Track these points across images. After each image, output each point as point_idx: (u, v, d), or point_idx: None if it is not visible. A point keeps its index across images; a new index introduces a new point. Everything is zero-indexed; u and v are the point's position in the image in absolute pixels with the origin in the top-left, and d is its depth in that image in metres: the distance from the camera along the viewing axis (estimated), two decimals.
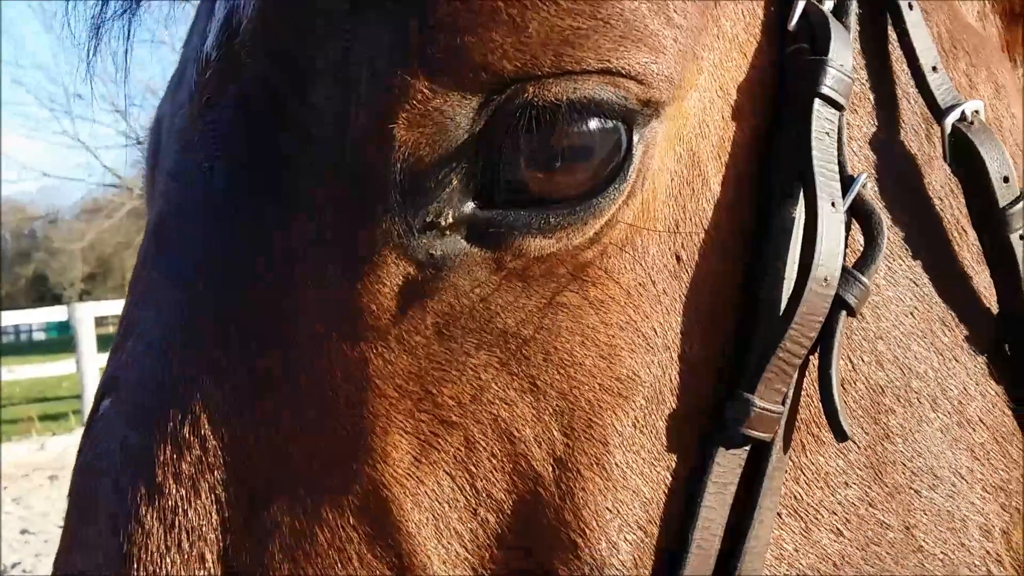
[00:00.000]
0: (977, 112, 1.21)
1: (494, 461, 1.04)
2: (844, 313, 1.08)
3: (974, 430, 1.23)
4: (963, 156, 1.21)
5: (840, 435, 1.07)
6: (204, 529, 1.01)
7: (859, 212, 1.11)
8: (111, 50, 1.37)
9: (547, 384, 1.04)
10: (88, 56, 1.37)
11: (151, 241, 1.16)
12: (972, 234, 1.25)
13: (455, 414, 1.03)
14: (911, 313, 1.19)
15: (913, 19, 1.21)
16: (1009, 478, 1.26)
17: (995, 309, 1.26)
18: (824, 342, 1.08)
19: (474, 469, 1.03)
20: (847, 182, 1.10)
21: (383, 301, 1.03)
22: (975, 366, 1.24)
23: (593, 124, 1.00)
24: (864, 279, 1.09)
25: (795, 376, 1.07)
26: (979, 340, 1.25)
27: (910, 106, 1.24)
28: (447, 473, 1.03)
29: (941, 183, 1.25)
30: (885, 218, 1.13)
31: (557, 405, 1.04)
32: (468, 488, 1.03)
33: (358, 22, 1.01)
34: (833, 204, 1.07)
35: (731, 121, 1.11)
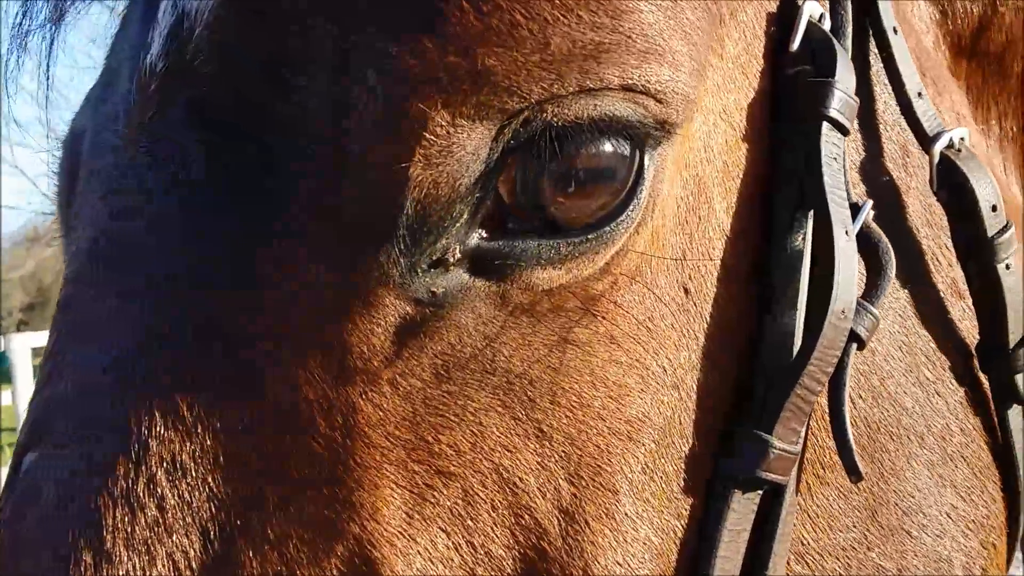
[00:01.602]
0: (963, 139, 1.19)
1: (495, 515, 0.93)
2: (855, 347, 1.03)
3: (956, 466, 1.20)
4: (951, 184, 1.17)
5: (855, 475, 1.01)
6: None
7: (866, 240, 1.06)
8: (36, 66, 1.21)
9: (553, 428, 0.94)
10: (9, 72, 1.20)
11: (85, 265, 1.01)
12: (955, 264, 1.22)
13: (453, 464, 0.93)
14: (900, 347, 1.16)
15: (898, 43, 1.18)
16: (988, 514, 1.23)
17: (974, 340, 1.23)
18: (835, 377, 1.02)
19: (472, 524, 0.93)
20: (853, 209, 1.05)
21: (376, 342, 0.92)
22: (955, 400, 1.21)
23: (610, 145, 0.93)
24: (875, 310, 1.04)
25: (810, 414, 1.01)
26: (959, 372, 1.22)
27: (894, 133, 1.20)
28: (442, 529, 0.92)
29: (924, 212, 1.22)
30: (891, 247, 1.09)
31: (564, 451, 0.95)
32: (465, 546, 0.93)
33: (358, 35, 0.90)
34: (846, 232, 1.02)
35: (734, 145, 1.05)
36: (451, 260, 0.91)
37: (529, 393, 0.94)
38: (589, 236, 0.93)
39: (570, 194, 0.92)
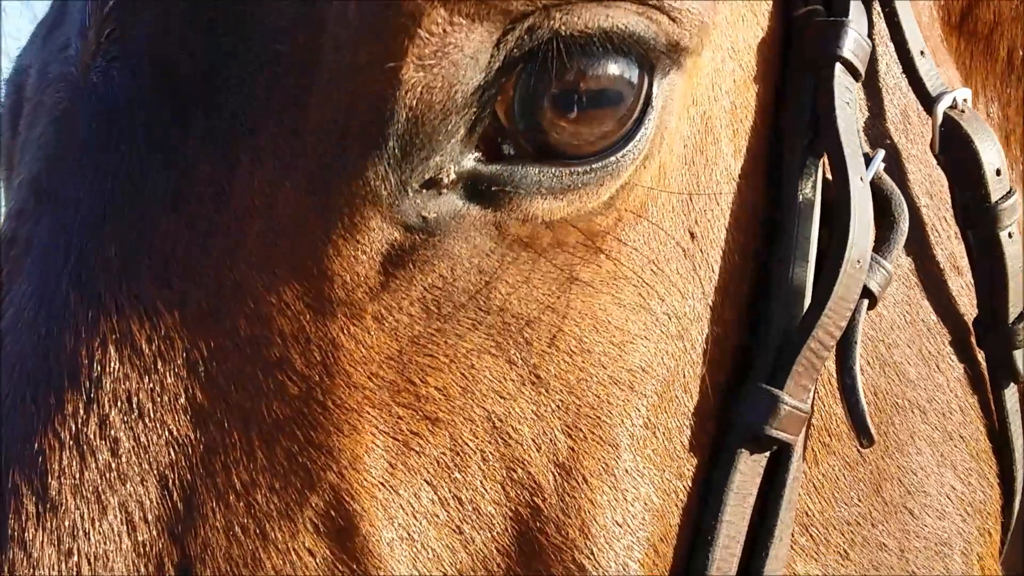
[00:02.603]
0: (966, 100, 1.14)
1: (485, 467, 0.85)
2: (866, 304, 0.97)
3: (956, 446, 1.14)
4: (954, 146, 1.12)
5: (867, 438, 0.95)
6: (112, 556, 0.77)
7: (877, 192, 1.01)
8: None
9: (551, 374, 0.87)
10: None
11: (31, 198, 0.92)
12: (954, 237, 1.17)
13: (441, 409, 0.84)
14: (904, 316, 1.10)
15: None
16: (985, 499, 1.17)
17: (971, 316, 1.18)
18: (846, 335, 0.95)
19: (460, 477, 0.84)
20: (865, 159, 1.00)
21: (360, 270, 0.83)
22: (954, 377, 1.15)
23: (618, 66, 0.85)
24: (888, 265, 0.98)
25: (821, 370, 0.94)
26: (958, 348, 1.16)
27: (896, 96, 1.15)
28: (427, 482, 0.84)
29: (924, 180, 1.16)
30: (904, 199, 1.03)
31: (561, 400, 0.87)
32: (452, 500, 0.84)
33: None
34: (861, 179, 0.96)
35: (743, 85, 0.99)
36: (445, 181, 0.83)
37: (526, 335, 0.86)
38: (594, 165, 0.86)
39: (573, 118, 0.85)
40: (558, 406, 0.87)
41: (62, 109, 0.93)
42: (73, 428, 0.79)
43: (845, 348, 0.96)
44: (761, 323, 0.95)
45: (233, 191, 0.83)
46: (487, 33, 0.81)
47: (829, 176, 0.99)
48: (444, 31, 0.79)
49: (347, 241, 0.83)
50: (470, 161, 0.84)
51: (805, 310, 0.94)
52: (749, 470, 0.92)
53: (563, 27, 0.82)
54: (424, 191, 0.83)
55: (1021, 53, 1.42)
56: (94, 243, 0.85)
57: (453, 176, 0.83)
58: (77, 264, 0.85)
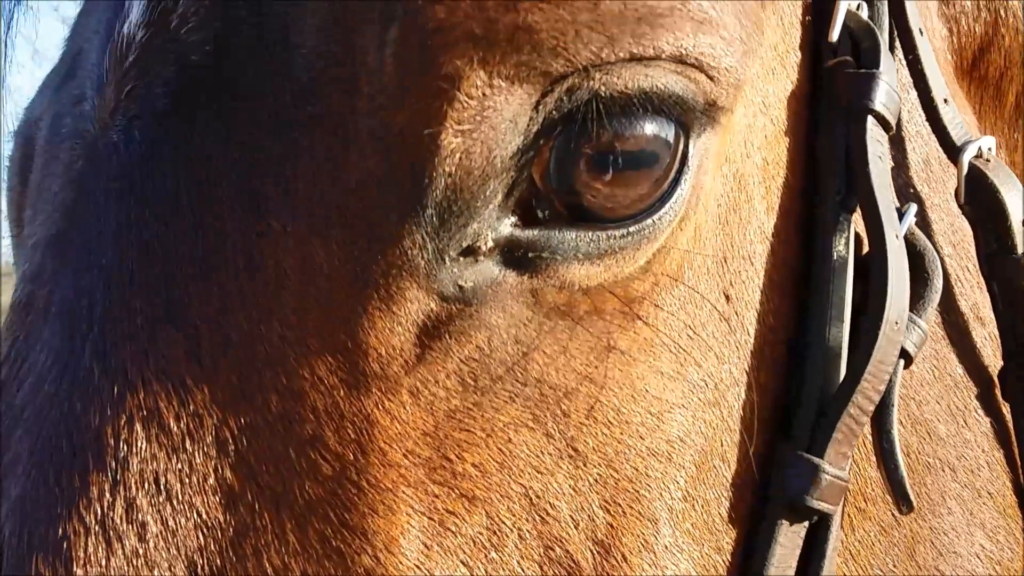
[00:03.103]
0: (991, 149, 1.12)
1: (522, 546, 0.82)
2: (902, 364, 0.95)
3: (984, 504, 1.12)
4: (980, 197, 1.11)
5: (907, 504, 0.93)
6: None
7: (910, 247, 0.99)
8: None
9: (589, 447, 0.84)
10: None
11: (49, 260, 0.88)
12: (976, 287, 1.16)
13: (478, 486, 0.82)
14: (932, 371, 1.08)
15: (924, 46, 1.11)
16: (1011, 556, 1.15)
17: (995, 368, 1.16)
18: (884, 397, 0.94)
19: (497, 557, 0.82)
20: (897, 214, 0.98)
21: (396, 343, 0.80)
22: (980, 431, 1.14)
23: (654, 126, 0.84)
24: (924, 324, 0.96)
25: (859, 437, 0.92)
26: (984, 402, 1.15)
27: (917, 143, 1.14)
28: (463, 563, 0.81)
29: (947, 229, 1.15)
30: (937, 256, 1.01)
31: (599, 473, 0.84)
32: None
33: None
34: (896, 236, 0.94)
35: (774, 140, 0.97)
36: (483, 249, 0.81)
37: (564, 406, 0.84)
38: (630, 228, 0.84)
39: (609, 180, 0.83)
40: (596, 480, 0.84)
41: (79, 167, 0.90)
42: (99, 512, 0.76)
43: (882, 411, 0.94)
44: (798, 387, 0.93)
45: (265, 259, 0.80)
46: (526, 95, 0.79)
47: (861, 231, 0.98)
48: (483, 94, 0.77)
49: (383, 313, 0.80)
50: (507, 227, 0.82)
51: (843, 373, 0.92)
52: (789, 542, 0.89)
53: (603, 88, 0.80)
54: (461, 259, 0.81)
55: None
56: (118, 312, 0.82)
57: (491, 243, 0.81)
58: (100, 334, 0.82)
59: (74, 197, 0.89)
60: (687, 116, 0.85)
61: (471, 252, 0.81)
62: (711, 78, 0.85)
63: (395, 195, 0.79)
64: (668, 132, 0.85)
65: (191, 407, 0.79)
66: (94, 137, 0.89)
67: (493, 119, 0.78)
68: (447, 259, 0.80)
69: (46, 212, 0.93)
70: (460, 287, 0.81)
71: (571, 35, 0.78)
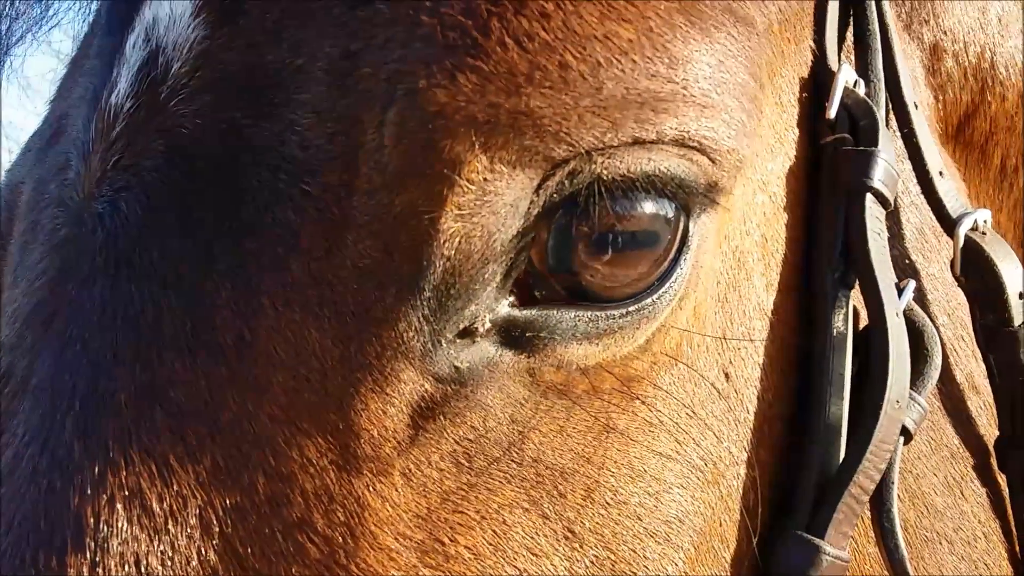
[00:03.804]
0: (986, 221, 1.12)
1: None
2: (902, 440, 0.94)
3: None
4: (976, 269, 1.10)
5: None
6: None
7: (910, 323, 0.98)
8: None
9: (585, 529, 0.82)
10: None
11: (28, 332, 0.86)
12: (971, 356, 1.15)
13: (471, 570, 0.79)
14: (929, 443, 1.07)
15: (919, 120, 1.11)
16: None
17: (991, 436, 1.15)
18: (885, 474, 0.92)
19: None
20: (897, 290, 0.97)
21: (389, 424, 0.78)
22: (977, 501, 1.13)
23: (655, 207, 0.83)
24: (923, 401, 0.95)
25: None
26: (980, 471, 1.13)
27: (912, 214, 1.13)
28: None
29: (943, 299, 1.14)
30: (936, 332, 1.00)
31: (595, 556, 0.82)
32: None
33: (376, 66, 0.78)
34: (896, 314, 0.93)
35: (772, 218, 0.96)
36: (480, 330, 0.79)
37: (561, 487, 0.81)
38: (630, 308, 0.82)
39: (608, 260, 0.82)
40: (592, 562, 0.82)
41: (63, 236, 0.88)
42: None
43: (882, 489, 0.92)
44: (798, 465, 0.92)
45: (256, 336, 0.78)
46: (528, 180, 0.77)
47: (859, 303, 0.97)
48: (485, 179, 0.76)
49: (376, 394, 0.78)
50: (504, 307, 0.80)
51: (843, 450, 0.91)
52: None
53: (605, 171, 0.79)
54: (458, 340, 0.79)
55: (1013, 161, 1.42)
56: (101, 387, 0.79)
57: (488, 324, 0.79)
58: (82, 410, 0.79)
59: (58, 266, 0.87)
60: (688, 197, 0.84)
61: (468, 333, 0.79)
62: (713, 160, 0.84)
63: (392, 278, 0.78)
64: (668, 212, 0.84)
65: (175, 487, 0.76)
66: (78, 206, 0.87)
67: (494, 204, 0.77)
68: (443, 341, 0.79)
69: (28, 280, 0.90)
70: (456, 368, 0.79)
71: (574, 120, 0.77)
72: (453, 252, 0.77)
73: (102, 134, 0.87)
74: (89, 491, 0.76)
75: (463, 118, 0.75)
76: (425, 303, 0.77)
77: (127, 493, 0.76)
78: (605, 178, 0.79)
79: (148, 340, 0.79)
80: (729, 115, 0.84)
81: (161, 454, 0.77)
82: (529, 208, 0.78)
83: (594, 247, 0.81)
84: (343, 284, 0.78)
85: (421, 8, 0.77)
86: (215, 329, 0.79)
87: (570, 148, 0.77)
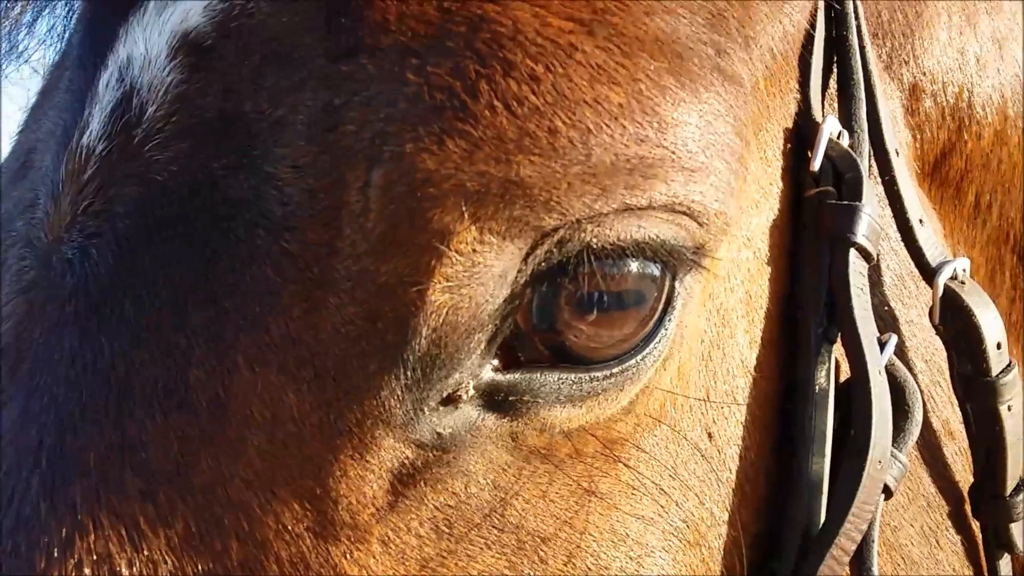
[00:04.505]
0: (965, 270, 1.12)
1: None
2: (883, 498, 0.93)
3: None
4: (955, 318, 1.10)
5: None
6: None
7: (891, 378, 0.97)
8: None
9: None
10: None
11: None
12: (947, 403, 1.15)
13: None
14: (906, 494, 1.06)
15: (900, 167, 1.10)
16: None
17: (966, 483, 1.15)
18: (866, 533, 0.91)
19: None
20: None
21: (368, 491, 0.77)
22: (952, 549, 1.12)
23: (641, 269, 0.81)
24: (904, 458, 0.94)
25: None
26: (955, 519, 1.13)
27: (892, 262, 1.12)
28: None
29: (922, 340, 1.13)
30: (917, 387, 1.00)
31: None
32: None
33: (360, 126, 0.76)
34: (879, 372, 0.92)
35: (756, 274, 0.95)
36: (463, 397, 0.78)
37: (541, 553, 0.80)
38: (614, 370, 0.81)
39: (592, 320, 0.80)
40: None
41: (31, 280, 0.85)
42: None
43: (863, 548, 0.92)
44: (779, 524, 0.91)
45: (231, 396, 0.76)
46: (517, 249, 0.76)
47: (840, 356, 0.96)
48: (474, 250, 0.74)
49: (355, 461, 0.76)
50: (488, 372, 0.79)
51: (824, 506, 0.90)
52: None
53: (595, 240, 0.77)
54: (441, 408, 0.77)
55: (987, 197, 1.42)
56: (69, 445, 0.76)
57: (472, 391, 0.78)
58: (49, 468, 0.76)
59: (25, 311, 0.84)
60: (676, 260, 0.83)
61: (451, 400, 0.78)
62: (701, 224, 0.83)
63: (375, 346, 0.75)
64: (655, 273, 0.82)
65: (145, 552, 0.74)
66: (47, 248, 0.84)
67: (483, 275, 0.75)
68: (426, 409, 0.77)
69: None
70: (438, 435, 0.78)
71: (564, 188, 0.75)
72: (440, 323, 0.75)
73: (72, 176, 0.84)
74: (56, 554, 0.73)
75: (452, 187, 0.73)
76: (409, 373, 0.75)
77: (95, 557, 0.73)
78: (595, 246, 0.77)
79: (118, 395, 0.77)
80: (717, 177, 0.83)
81: (131, 516, 0.74)
82: (517, 277, 0.77)
83: (579, 308, 0.79)
84: (323, 348, 0.76)
85: (407, 66, 0.75)
86: (188, 387, 0.76)
87: (560, 217, 0.75)
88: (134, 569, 0.73)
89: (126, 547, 0.73)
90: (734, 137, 0.86)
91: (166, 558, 0.74)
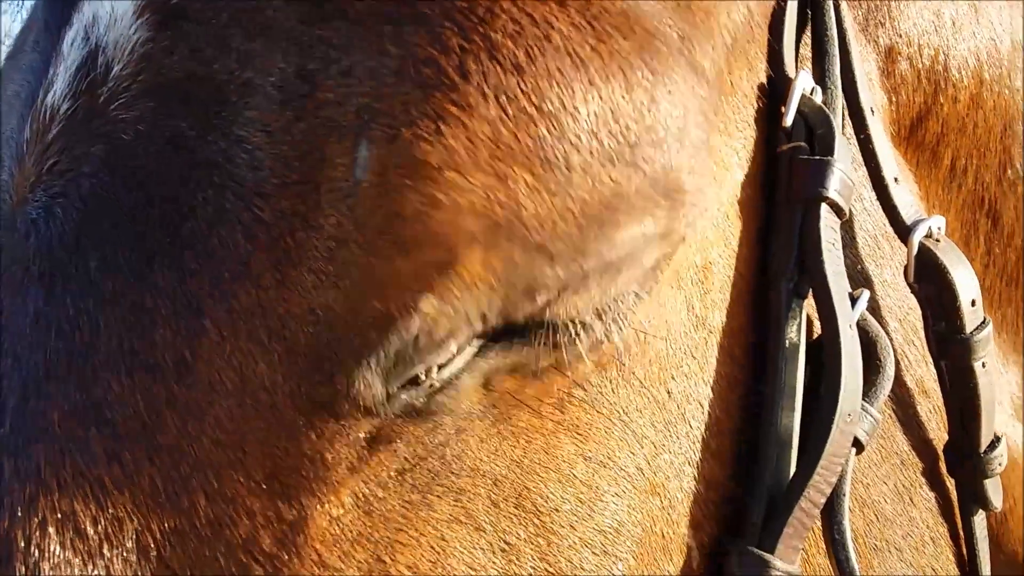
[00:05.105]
0: (940, 228, 1.12)
1: None
2: (854, 452, 0.93)
3: None
4: (929, 277, 1.10)
5: None
6: None
7: (863, 334, 0.97)
8: None
9: (520, 539, 0.81)
10: None
11: None
12: (922, 361, 1.15)
13: None
14: (879, 451, 1.07)
15: (875, 126, 1.10)
16: None
17: (940, 441, 1.15)
18: (836, 487, 0.91)
19: None
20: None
21: (340, 450, 0.76)
22: (926, 506, 1.13)
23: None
24: (876, 413, 0.94)
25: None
26: (929, 477, 1.14)
27: (866, 220, 1.12)
28: None
29: (896, 300, 1.14)
30: (890, 342, 1.00)
31: (533, 568, 0.81)
32: None
33: (342, 82, 0.75)
34: (850, 326, 0.92)
35: (728, 228, 0.95)
36: (433, 376, 0.77)
37: (493, 495, 0.80)
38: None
39: None
40: (531, 575, 0.81)
41: None
42: None
43: (834, 501, 0.92)
44: (747, 478, 0.91)
45: (199, 362, 0.75)
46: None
47: (811, 312, 0.96)
48: (479, 272, 0.74)
49: (327, 424, 0.75)
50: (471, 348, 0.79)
51: (794, 462, 0.90)
52: None
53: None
54: (417, 385, 0.77)
55: (963, 161, 1.42)
56: (33, 405, 0.76)
57: (438, 370, 0.77)
58: (12, 429, 0.76)
59: None
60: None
61: (427, 374, 0.77)
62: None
63: (352, 335, 0.74)
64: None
65: (110, 510, 0.73)
66: (9, 211, 0.84)
67: (479, 293, 0.74)
68: (399, 390, 0.76)
69: None
70: (413, 406, 0.77)
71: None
72: (427, 328, 0.74)
73: (38, 135, 0.83)
74: (19, 513, 0.73)
75: (466, 204, 0.72)
76: (383, 364, 0.74)
77: (60, 516, 0.73)
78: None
79: (83, 356, 0.76)
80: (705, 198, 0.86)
81: (96, 476, 0.74)
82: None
83: None
84: (296, 323, 0.74)
85: (384, 34, 0.74)
86: (154, 348, 0.75)
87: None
88: (99, 527, 0.73)
89: (91, 506, 0.73)
90: (701, 133, 0.84)
91: (132, 516, 0.73)
